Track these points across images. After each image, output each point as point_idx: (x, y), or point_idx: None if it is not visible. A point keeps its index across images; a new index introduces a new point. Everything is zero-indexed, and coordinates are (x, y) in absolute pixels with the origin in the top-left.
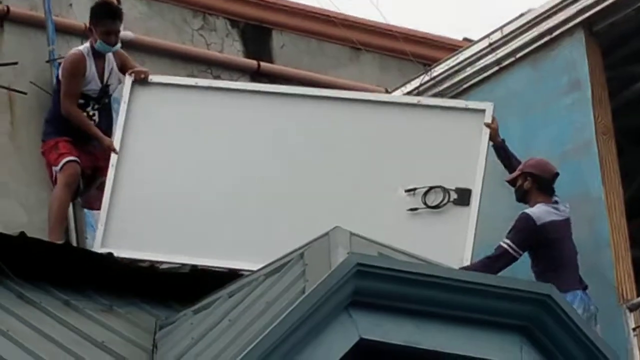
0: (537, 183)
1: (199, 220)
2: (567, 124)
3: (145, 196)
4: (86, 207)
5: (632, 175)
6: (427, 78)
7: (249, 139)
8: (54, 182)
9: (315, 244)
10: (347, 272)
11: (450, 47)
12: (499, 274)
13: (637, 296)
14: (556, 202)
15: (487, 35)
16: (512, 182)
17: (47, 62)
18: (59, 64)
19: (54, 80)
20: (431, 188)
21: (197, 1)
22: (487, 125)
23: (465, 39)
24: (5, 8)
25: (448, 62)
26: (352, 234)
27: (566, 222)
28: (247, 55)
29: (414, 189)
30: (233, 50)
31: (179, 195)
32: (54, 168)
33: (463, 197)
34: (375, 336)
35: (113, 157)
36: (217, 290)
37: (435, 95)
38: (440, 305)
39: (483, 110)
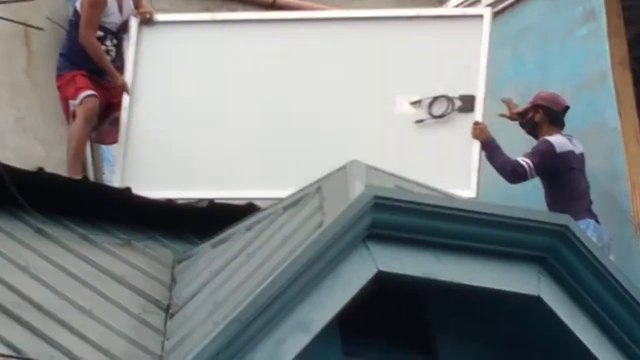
0: (548, 115)
1: (215, 154)
2: (583, 55)
3: (160, 134)
4: (98, 141)
5: None
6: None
7: (254, 70)
8: (70, 115)
9: (332, 177)
10: (364, 205)
11: None
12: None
13: None
14: (570, 136)
15: None
16: (522, 115)
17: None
18: None
19: (71, 13)
20: (435, 98)
21: None
22: (475, 124)
23: None
24: None
25: None
26: (369, 167)
27: (581, 156)
28: None
29: (419, 101)
30: None
31: (194, 131)
32: (71, 102)
33: (467, 103)
34: (393, 269)
35: (125, 99)
36: (235, 223)
37: None
38: (458, 237)
39: (481, 16)
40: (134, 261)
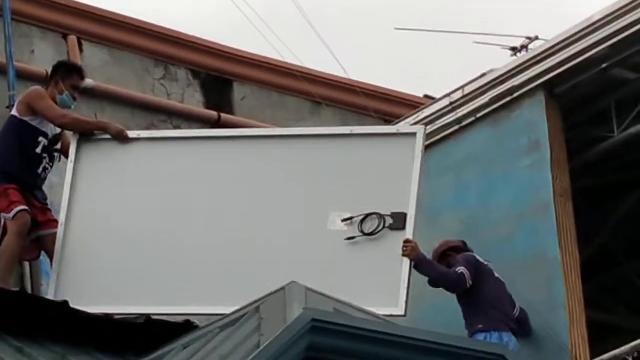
0: (455, 251)
1: (151, 270)
2: (526, 185)
3: (97, 249)
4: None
5: (588, 236)
6: None
7: (191, 186)
8: (0, 227)
9: (270, 298)
10: (302, 327)
11: (411, 104)
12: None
13: (591, 359)
14: None
15: (448, 94)
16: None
17: (7, 107)
18: None
19: (6, 124)
20: (367, 215)
21: (159, 50)
22: (405, 242)
23: (426, 96)
24: None
25: (409, 119)
26: (307, 289)
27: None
28: (208, 106)
29: (350, 218)
30: (194, 101)
31: (130, 247)
32: (3, 215)
33: (398, 221)
34: None
35: (62, 214)
36: (172, 341)
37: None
38: None
39: (414, 134)
40: None
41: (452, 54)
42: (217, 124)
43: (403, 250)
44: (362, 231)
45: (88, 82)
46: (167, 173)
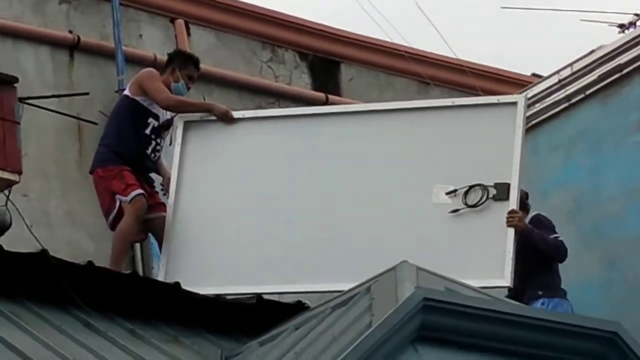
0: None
1: (258, 250)
2: (636, 162)
3: (206, 231)
4: None
5: None
6: None
7: (295, 163)
8: (115, 209)
9: (382, 277)
10: (413, 306)
11: (519, 83)
12: None
13: None
14: None
15: (557, 72)
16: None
17: (117, 92)
18: None
19: (119, 101)
20: (471, 187)
21: (266, 33)
22: (511, 212)
23: (535, 75)
24: (76, 38)
25: None
26: (419, 268)
27: None
28: (315, 87)
29: (455, 191)
30: (301, 83)
31: (237, 226)
32: (119, 197)
33: (502, 191)
34: None
35: (171, 197)
36: (284, 322)
37: None
38: (507, 341)
39: (515, 103)
40: (181, 358)
41: (560, 32)
42: (325, 105)
43: (509, 221)
44: (466, 203)
45: None
46: (273, 152)
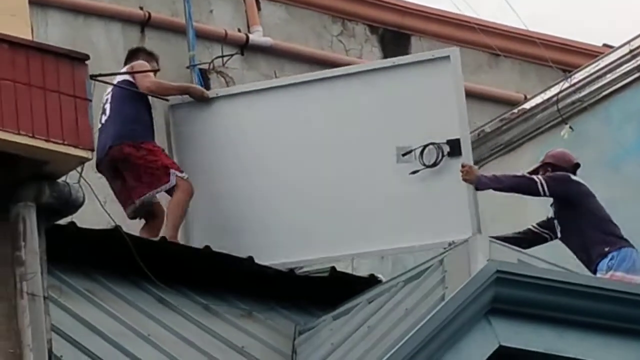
0: (552, 167)
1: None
2: None
3: (219, 207)
4: None
5: None
6: (566, 85)
7: (268, 135)
8: (170, 184)
9: (454, 250)
10: (486, 279)
11: (590, 54)
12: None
13: None
14: None
15: (628, 42)
16: (532, 173)
17: (187, 67)
18: (199, 69)
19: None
20: (425, 146)
21: (336, 7)
22: (462, 167)
23: (605, 45)
24: (147, 14)
25: (588, 68)
26: (491, 240)
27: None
28: None
29: (410, 151)
30: (372, 56)
31: (253, 199)
32: (175, 172)
33: (454, 147)
34: (515, 344)
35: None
36: (357, 295)
37: (574, 103)
38: (581, 312)
39: (447, 57)
40: (255, 332)
41: (631, 1)
42: None
43: (462, 176)
44: (423, 163)
45: (266, 40)
46: (247, 126)
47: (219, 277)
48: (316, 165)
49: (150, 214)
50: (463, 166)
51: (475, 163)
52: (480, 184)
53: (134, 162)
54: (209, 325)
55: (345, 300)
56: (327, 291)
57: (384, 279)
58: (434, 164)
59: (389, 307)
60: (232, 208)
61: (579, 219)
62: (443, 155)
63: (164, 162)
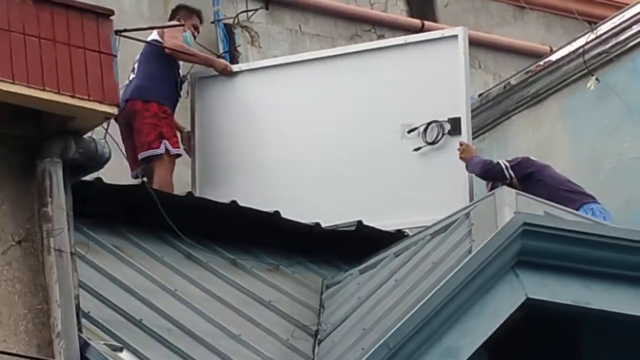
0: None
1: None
2: None
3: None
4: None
5: None
6: (592, 36)
7: (272, 113)
8: (158, 152)
9: (481, 203)
10: (513, 231)
11: (615, 5)
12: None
13: None
14: None
15: None
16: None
17: (212, 22)
18: (224, 24)
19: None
20: (428, 124)
21: None
22: (460, 145)
23: None
24: None
25: (614, 20)
26: (518, 193)
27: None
28: (411, 14)
29: (415, 129)
30: (397, 10)
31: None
32: (167, 143)
33: (455, 126)
34: (542, 296)
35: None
36: (383, 249)
37: (600, 54)
38: (608, 264)
39: (455, 36)
40: (282, 287)
41: None
42: (421, 31)
43: (460, 154)
44: (426, 141)
45: None
46: (266, 102)
47: (246, 232)
48: (328, 139)
49: (149, 176)
50: (461, 144)
51: (502, 115)
52: (467, 164)
53: (140, 121)
54: (236, 280)
55: (372, 254)
56: (354, 245)
57: (410, 233)
58: (434, 142)
59: (415, 260)
60: (249, 179)
61: (544, 190)
62: (444, 133)
63: (162, 129)
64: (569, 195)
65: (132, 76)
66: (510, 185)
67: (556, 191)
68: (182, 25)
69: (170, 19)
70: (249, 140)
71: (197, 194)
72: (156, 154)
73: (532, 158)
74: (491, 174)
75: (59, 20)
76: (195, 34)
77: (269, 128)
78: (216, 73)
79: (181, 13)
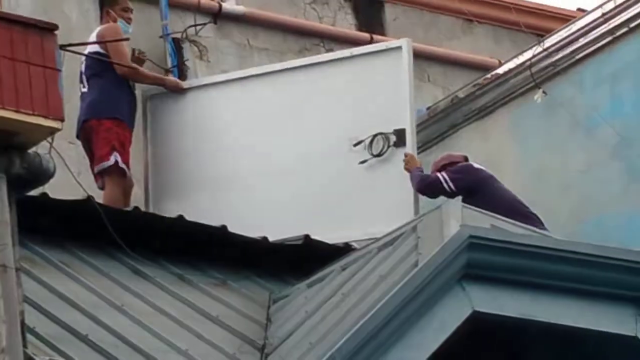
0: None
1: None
2: None
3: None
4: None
5: None
6: (540, 49)
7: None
8: (110, 164)
9: (427, 216)
10: (459, 244)
11: (563, 18)
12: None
13: None
14: None
15: (600, 5)
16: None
17: (160, 37)
18: (172, 39)
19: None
20: (374, 136)
21: None
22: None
23: (579, 9)
24: None
25: (561, 32)
26: (464, 206)
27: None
28: (360, 28)
29: (361, 142)
30: (345, 24)
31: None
32: (117, 156)
33: (400, 137)
34: (489, 309)
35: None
36: (330, 263)
37: (548, 67)
38: (555, 277)
39: (399, 47)
40: (229, 301)
41: None
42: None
43: (404, 165)
44: (371, 153)
45: (239, 8)
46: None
47: (192, 246)
48: (276, 153)
49: None
50: (405, 155)
51: (450, 128)
52: (410, 176)
53: (95, 137)
54: (183, 295)
55: (319, 268)
56: (301, 259)
57: (357, 247)
58: (380, 154)
59: (362, 274)
60: (201, 194)
61: (485, 205)
62: (390, 145)
63: (115, 143)
64: (513, 215)
65: (83, 89)
66: (454, 195)
67: (501, 208)
68: (127, 39)
69: (100, 11)
70: (199, 156)
71: (151, 210)
72: (107, 165)
73: (474, 165)
74: (430, 190)
75: (2, 35)
76: (128, 16)
77: (218, 143)
78: (164, 90)
79: (106, 5)
